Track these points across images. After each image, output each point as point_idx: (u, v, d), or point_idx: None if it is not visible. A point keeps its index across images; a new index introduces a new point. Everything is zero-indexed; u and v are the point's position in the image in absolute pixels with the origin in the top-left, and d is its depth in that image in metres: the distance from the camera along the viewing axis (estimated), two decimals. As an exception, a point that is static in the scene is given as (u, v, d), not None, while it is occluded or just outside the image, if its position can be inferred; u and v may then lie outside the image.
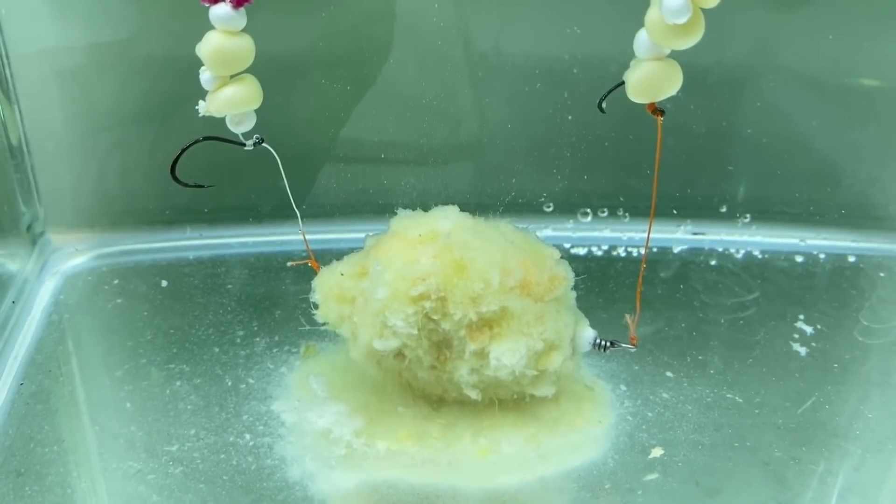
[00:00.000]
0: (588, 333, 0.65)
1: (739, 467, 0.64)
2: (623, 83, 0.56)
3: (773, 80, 0.85)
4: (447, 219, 0.65)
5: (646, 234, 0.81)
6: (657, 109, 0.57)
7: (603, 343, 0.65)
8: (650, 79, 0.55)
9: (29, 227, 0.86)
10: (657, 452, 0.65)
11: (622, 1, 0.77)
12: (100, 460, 0.64)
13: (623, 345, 0.65)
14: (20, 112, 0.82)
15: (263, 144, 0.62)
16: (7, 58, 0.80)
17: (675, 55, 0.56)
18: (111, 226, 0.87)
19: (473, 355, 0.63)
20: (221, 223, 0.89)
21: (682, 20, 0.52)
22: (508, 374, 0.62)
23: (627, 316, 0.66)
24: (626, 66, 0.57)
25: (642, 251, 0.87)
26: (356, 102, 0.84)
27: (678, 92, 0.77)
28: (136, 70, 0.82)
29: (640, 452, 0.65)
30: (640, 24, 0.54)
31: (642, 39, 0.55)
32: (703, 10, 0.53)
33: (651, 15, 0.53)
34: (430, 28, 0.81)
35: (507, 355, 0.62)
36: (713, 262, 0.87)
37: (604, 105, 0.59)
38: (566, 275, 0.65)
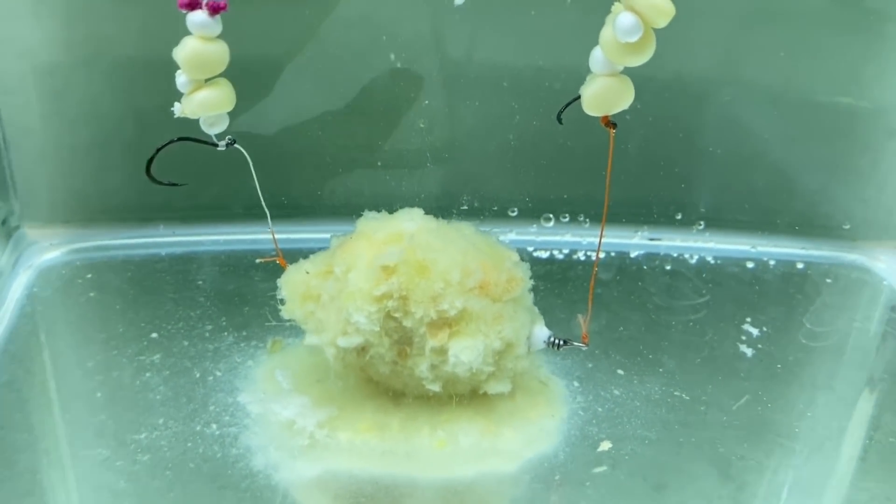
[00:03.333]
0: (542, 332, 0.67)
1: (685, 462, 0.66)
2: (579, 97, 0.58)
3: (729, 94, 0.86)
4: (412, 221, 0.66)
5: (603, 239, 0.83)
6: (610, 122, 0.58)
7: (556, 341, 0.67)
8: (604, 93, 0.57)
9: (4, 221, 0.85)
10: (606, 446, 0.67)
11: (587, 16, 0.76)
12: (69, 448, 0.65)
13: (575, 343, 0.67)
14: (-2, 108, 0.82)
15: (235, 145, 0.63)
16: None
17: (633, 69, 0.57)
18: (86, 221, 0.87)
19: (433, 352, 0.64)
20: (194, 221, 0.89)
21: (634, 39, 0.53)
22: (466, 370, 0.64)
23: (580, 316, 0.67)
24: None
25: (601, 255, 0.89)
26: (329, 107, 0.85)
27: (639, 103, 0.79)
28: (113, 69, 0.82)
29: (590, 446, 0.67)
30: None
31: (597, 56, 0.56)
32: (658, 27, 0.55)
33: (605, 33, 0.55)
34: (405, 37, 0.82)
35: (466, 353, 0.63)
36: (668, 267, 0.89)
37: (562, 117, 0.60)
38: (524, 276, 0.66)
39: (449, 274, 0.63)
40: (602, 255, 0.90)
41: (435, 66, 0.84)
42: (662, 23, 0.54)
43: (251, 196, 0.68)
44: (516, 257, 0.67)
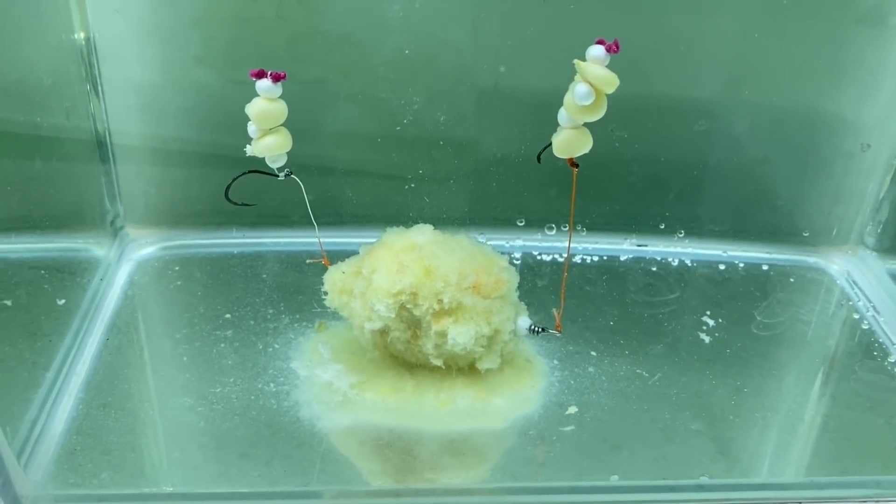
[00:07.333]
0: (525, 322, 0.74)
1: (638, 427, 0.73)
2: (550, 144, 0.65)
3: (704, 123, 0.91)
4: (423, 234, 0.74)
5: (596, 245, 0.94)
6: (573, 163, 0.66)
7: (536, 329, 0.74)
8: (568, 142, 0.65)
9: (112, 222, 0.93)
10: (573, 410, 0.74)
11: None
12: (162, 396, 0.74)
13: (551, 330, 0.74)
14: (109, 129, 0.89)
15: (292, 176, 0.70)
16: (101, 87, 0.86)
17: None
18: (174, 224, 0.95)
19: (436, 335, 0.71)
20: (260, 227, 0.96)
21: (588, 102, 0.61)
22: (461, 349, 0.71)
23: (554, 310, 0.74)
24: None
25: (594, 259, 0.97)
26: (373, 131, 0.91)
27: (625, 132, 0.88)
28: (200, 101, 0.89)
29: (561, 411, 0.74)
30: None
31: (562, 114, 0.64)
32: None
33: (567, 97, 0.63)
34: (439, 70, 0.87)
35: (460, 336, 0.70)
36: (653, 269, 0.95)
37: (541, 157, 0.66)
38: (509, 279, 0.73)
39: (448, 276, 0.70)
40: (595, 258, 0.97)
41: (466, 103, 0.89)
42: (609, 90, 0.61)
43: (305, 208, 0.75)
44: (505, 263, 0.74)
